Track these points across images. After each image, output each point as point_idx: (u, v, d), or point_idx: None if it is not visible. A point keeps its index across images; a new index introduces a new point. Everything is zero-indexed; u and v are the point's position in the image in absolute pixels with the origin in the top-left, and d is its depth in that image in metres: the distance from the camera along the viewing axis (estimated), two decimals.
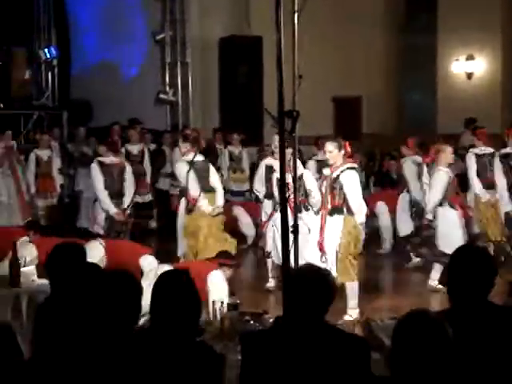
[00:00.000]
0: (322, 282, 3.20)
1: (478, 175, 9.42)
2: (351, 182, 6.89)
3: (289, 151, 5.19)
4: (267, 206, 8.38)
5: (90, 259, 6.32)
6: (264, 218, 8.44)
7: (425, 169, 9.36)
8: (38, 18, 16.43)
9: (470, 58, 15.67)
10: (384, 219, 10.49)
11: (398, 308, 6.92)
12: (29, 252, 7.01)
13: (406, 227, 9.77)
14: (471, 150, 9.70)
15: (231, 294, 6.26)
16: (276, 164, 7.16)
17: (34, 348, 3.51)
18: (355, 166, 7.25)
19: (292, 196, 5.34)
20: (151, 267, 6.82)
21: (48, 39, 16.43)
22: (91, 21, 16.21)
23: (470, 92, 15.59)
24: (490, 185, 9.37)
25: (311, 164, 9.97)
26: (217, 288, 6.28)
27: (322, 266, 6.56)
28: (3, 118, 13.60)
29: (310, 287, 3.16)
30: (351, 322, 6.65)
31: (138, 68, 15.51)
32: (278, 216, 6.64)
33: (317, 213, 7.42)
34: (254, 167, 11.30)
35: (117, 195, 8.78)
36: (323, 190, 7.03)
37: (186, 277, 3.09)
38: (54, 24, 16.36)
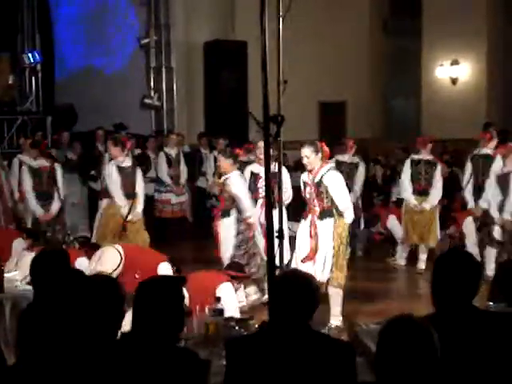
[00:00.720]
0: (307, 288, 3.20)
1: (412, 180, 9.60)
2: (335, 183, 6.85)
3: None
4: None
5: (105, 264, 6.32)
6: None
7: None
8: (22, 23, 16.33)
9: (455, 63, 15.72)
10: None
11: (383, 312, 6.91)
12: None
13: None
14: (411, 155, 9.83)
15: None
16: (261, 170, 7.13)
17: (17, 354, 3.48)
18: (333, 165, 7.43)
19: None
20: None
21: (32, 44, 16.33)
22: (75, 25, 16.17)
23: (455, 97, 15.64)
24: (421, 191, 9.56)
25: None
26: (226, 300, 6.22)
27: (314, 270, 6.57)
28: None
29: (294, 292, 3.15)
30: (336, 329, 6.65)
31: (123, 73, 15.47)
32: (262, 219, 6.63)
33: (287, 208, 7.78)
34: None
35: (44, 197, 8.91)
36: (307, 196, 6.99)
37: (169, 283, 3.08)
38: (37, 29, 16.27)
